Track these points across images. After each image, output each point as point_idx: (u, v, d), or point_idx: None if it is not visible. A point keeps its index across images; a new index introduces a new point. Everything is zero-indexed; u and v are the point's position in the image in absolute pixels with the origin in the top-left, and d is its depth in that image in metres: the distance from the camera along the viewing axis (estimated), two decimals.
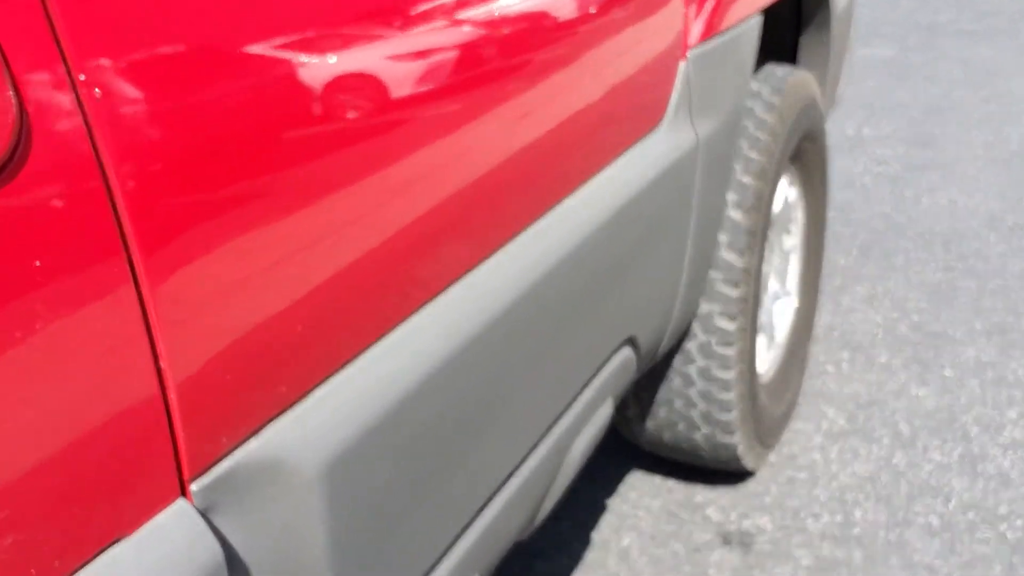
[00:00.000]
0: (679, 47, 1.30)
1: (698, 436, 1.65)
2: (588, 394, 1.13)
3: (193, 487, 0.60)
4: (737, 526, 1.69)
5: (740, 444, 1.66)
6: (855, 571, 1.57)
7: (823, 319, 2.30)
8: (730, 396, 1.58)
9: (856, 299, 2.40)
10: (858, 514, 1.70)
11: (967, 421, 1.93)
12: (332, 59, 0.69)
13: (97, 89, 0.52)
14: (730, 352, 1.55)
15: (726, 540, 1.66)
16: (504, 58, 0.89)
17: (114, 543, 0.56)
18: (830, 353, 2.18)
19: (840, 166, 3.28)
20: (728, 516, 1.72)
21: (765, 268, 1.76)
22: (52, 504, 0.51)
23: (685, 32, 1.31)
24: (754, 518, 1.71)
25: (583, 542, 1.68)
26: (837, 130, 3.62)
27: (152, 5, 0.56)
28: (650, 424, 1.68)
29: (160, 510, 0.58)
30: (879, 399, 2.01)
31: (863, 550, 1.62)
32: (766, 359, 1.87)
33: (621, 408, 1.67)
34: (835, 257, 2.61)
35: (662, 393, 1.62)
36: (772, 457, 1.86)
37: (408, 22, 0.77)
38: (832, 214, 2.88)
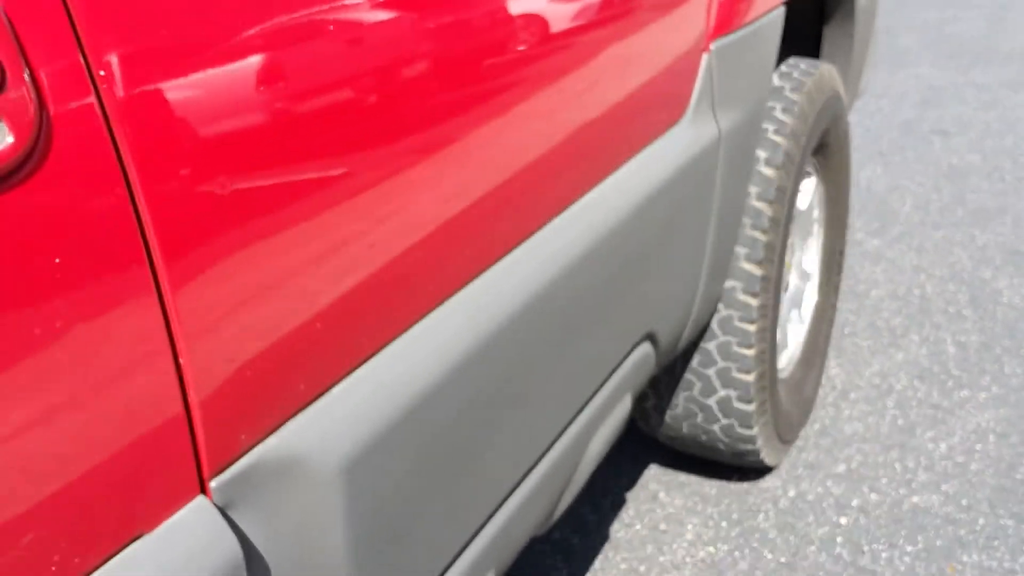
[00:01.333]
0: (702, 40, 1.28)
1: (717, 429, 1.64)
2: (607, 390, 1.13)
3: (213, 484, 0.61)
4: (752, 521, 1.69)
5: (759, 438, 1.65)
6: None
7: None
8: (750, 386, 1.57)
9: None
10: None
11: None
12: (361, 53, 0.68)
13: (118, 86, 0.51)
14: (750, 349, 1.53)
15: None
16: (524, 53, 0.88)
17: (135, 539, 0.56)
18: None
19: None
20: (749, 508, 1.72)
21: (787, 261, 1.74)
22: (73, 501, 0.52)
23: (708, 24, 1.30)
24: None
25: (601, 535, 1.67)
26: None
27: None
28: (668, 417, 1.67)
29: (180, 507, 0.59)
30: None
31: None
32: (786, 353, 1.86)
33: (639, 400, 1.67)
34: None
35: (681, 385, 1.61)
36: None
37: (430, 18, 0.76)
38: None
